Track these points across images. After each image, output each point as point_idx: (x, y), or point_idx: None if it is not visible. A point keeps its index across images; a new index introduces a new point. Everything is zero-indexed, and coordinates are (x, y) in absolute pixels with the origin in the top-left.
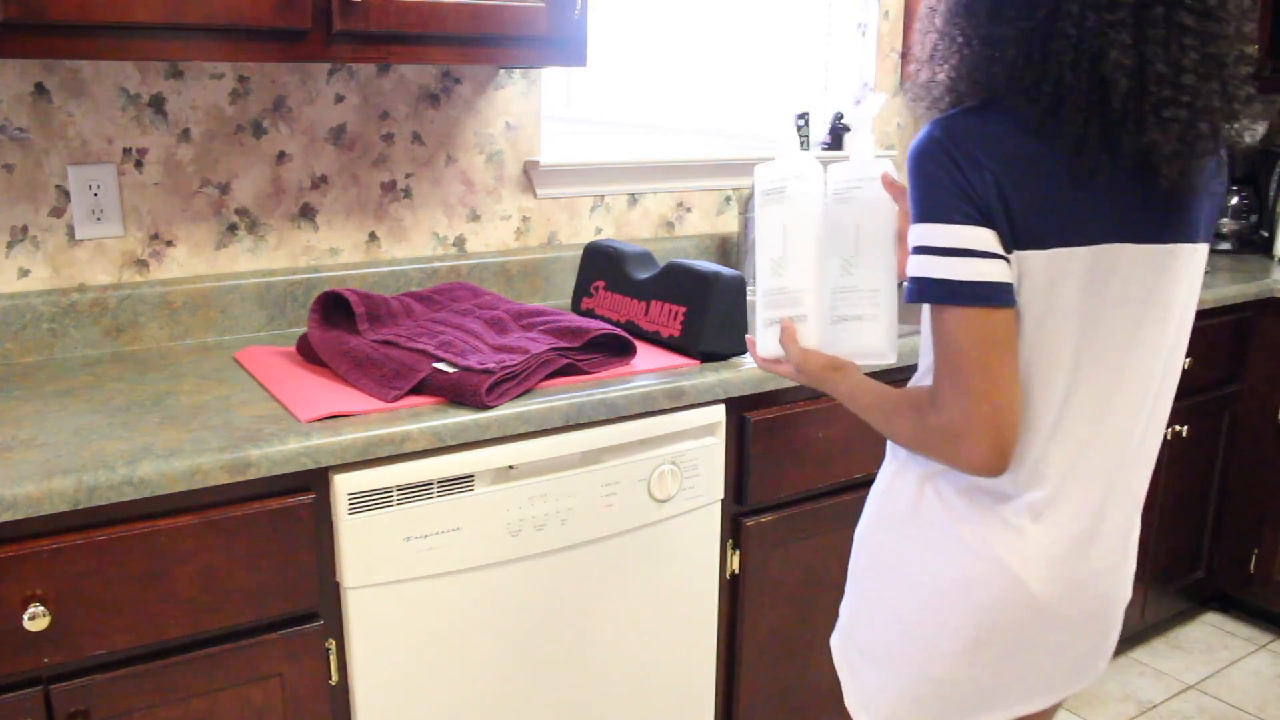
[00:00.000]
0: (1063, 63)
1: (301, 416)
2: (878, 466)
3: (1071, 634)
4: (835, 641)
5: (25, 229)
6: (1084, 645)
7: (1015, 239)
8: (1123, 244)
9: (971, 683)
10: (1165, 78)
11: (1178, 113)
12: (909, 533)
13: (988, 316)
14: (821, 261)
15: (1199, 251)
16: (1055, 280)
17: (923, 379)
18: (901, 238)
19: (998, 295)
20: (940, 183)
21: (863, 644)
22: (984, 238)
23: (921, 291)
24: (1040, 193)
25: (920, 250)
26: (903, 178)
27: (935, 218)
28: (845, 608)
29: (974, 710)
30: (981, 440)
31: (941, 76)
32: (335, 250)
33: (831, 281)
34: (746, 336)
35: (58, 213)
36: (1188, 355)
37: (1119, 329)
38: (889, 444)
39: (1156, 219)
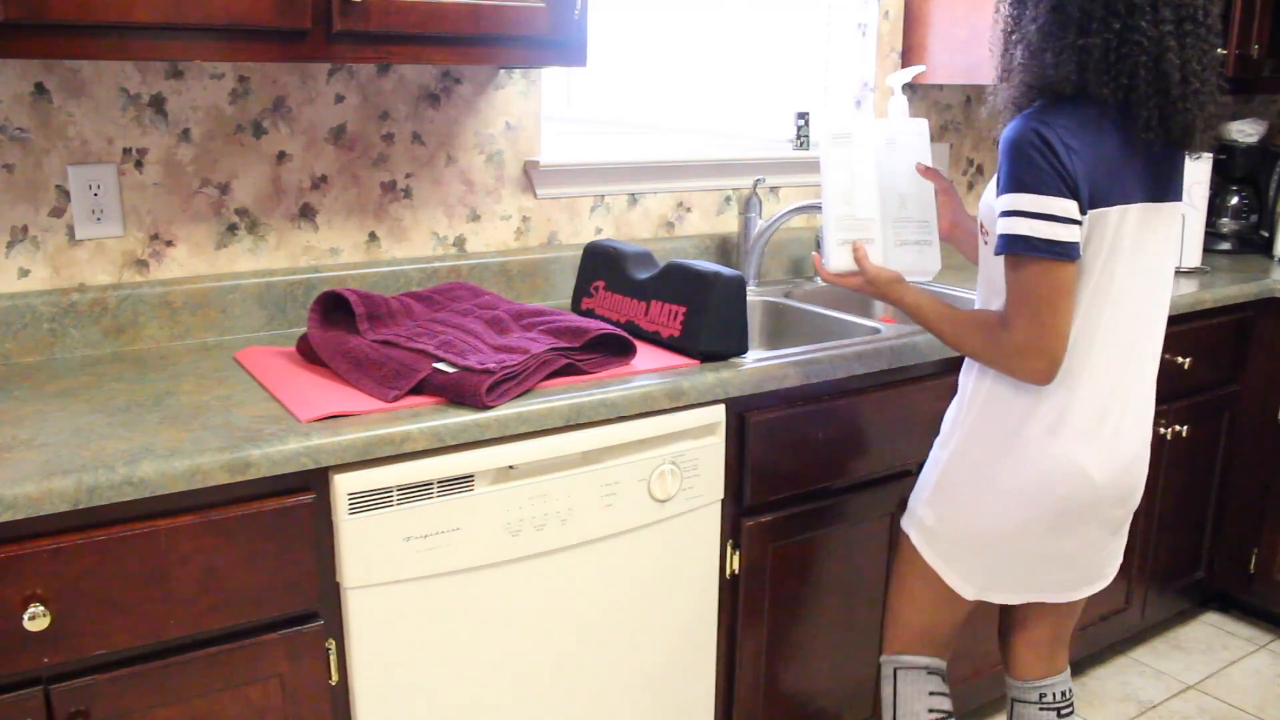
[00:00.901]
0: (1136, 62)
1: (301, 416)
2: (877, 466)
3: (1111, 511)
4: (915, 538)
5: (25, 229)
6: (1110, 537)
7: (1091, 201)
8: (1158, 203)
9: (1047, 555)
10: (1196, 73)
11: (1203, 98)
12: (1006, 453)
13: (1062, 268)
14: (881, 196)
15: (1181, 208)
16: (1117, 230)
17: (987, 306)
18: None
19: (1071, 252)
20: (1035, 163)
21: (957, 537)
22: (1068, 207)
23: (1011, 244)
24: (1110, 163)
25: (1013, 214)
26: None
27: (1030, 189)
28: (932, 516)
29: (1047, 573)
30: (1042, 358)
31: (1031, 78)
32: (335, 250)
33: (891, 213)
34: (813, 255)
35: (58, 213)
36: (1188, 355)
37: (1148, 270)
38: (970, 387)
39: (1170, 183)
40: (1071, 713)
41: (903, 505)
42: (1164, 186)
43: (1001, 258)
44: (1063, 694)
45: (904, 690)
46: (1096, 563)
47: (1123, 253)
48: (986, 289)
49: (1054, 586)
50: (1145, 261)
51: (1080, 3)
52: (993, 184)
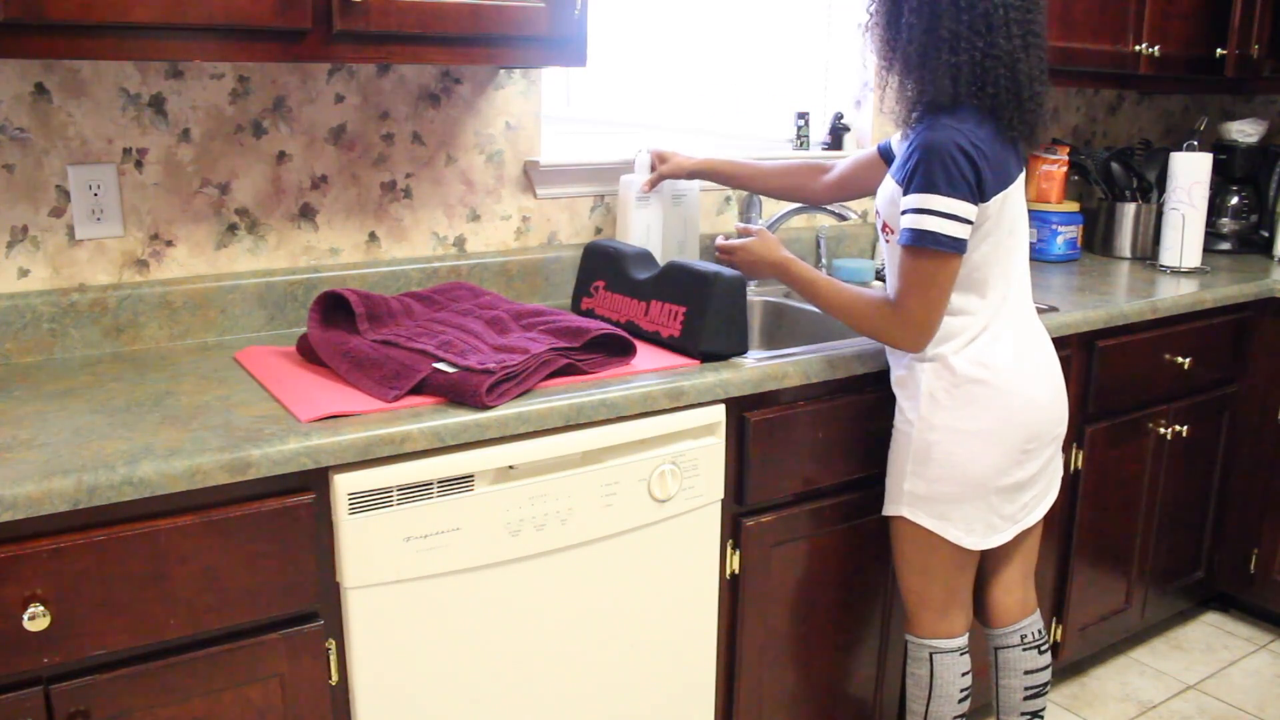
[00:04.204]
0: (997, 74)
1: (301, 416)
2: (877, 466)
3: (1056, 429)
4: (907, 512)
5: (25, 229)
6: (1057, 453)
7: (993, 188)
8: (1020, 174)
9: (1020, 482)
10: (1039, 79)
11: (1043, 99)
12: (968, 403)
13: (956, 260)
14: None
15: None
16: (1009, 204)
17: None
18: None
19: (964, 247)
20: (951, 170)
21: (950, 493)
22: (970, 210)
23: (920, 239)
24: (993, 160)
25: (925, 211)
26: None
27: (943, 192)
28: (922, 484)
29: (1021, 499)
30: (925, 332)
31: (911, 93)
32: (335, 250)
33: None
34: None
35: (58, 213)
36: (1188, 355)
37: (1021, 232)
38: (906, 366)
39: (1020, 159)
40: (1049, 648)
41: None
42: (1021, 161)
43: (899, 247)
44: (1038, 631)
45: (940, 674)
46: (1050, 478)
47: (1015, 219)
48: (891, 274)
49: (1026, 510)
50: (1021, 221)
51: (949, 25)
52: (889, 183)
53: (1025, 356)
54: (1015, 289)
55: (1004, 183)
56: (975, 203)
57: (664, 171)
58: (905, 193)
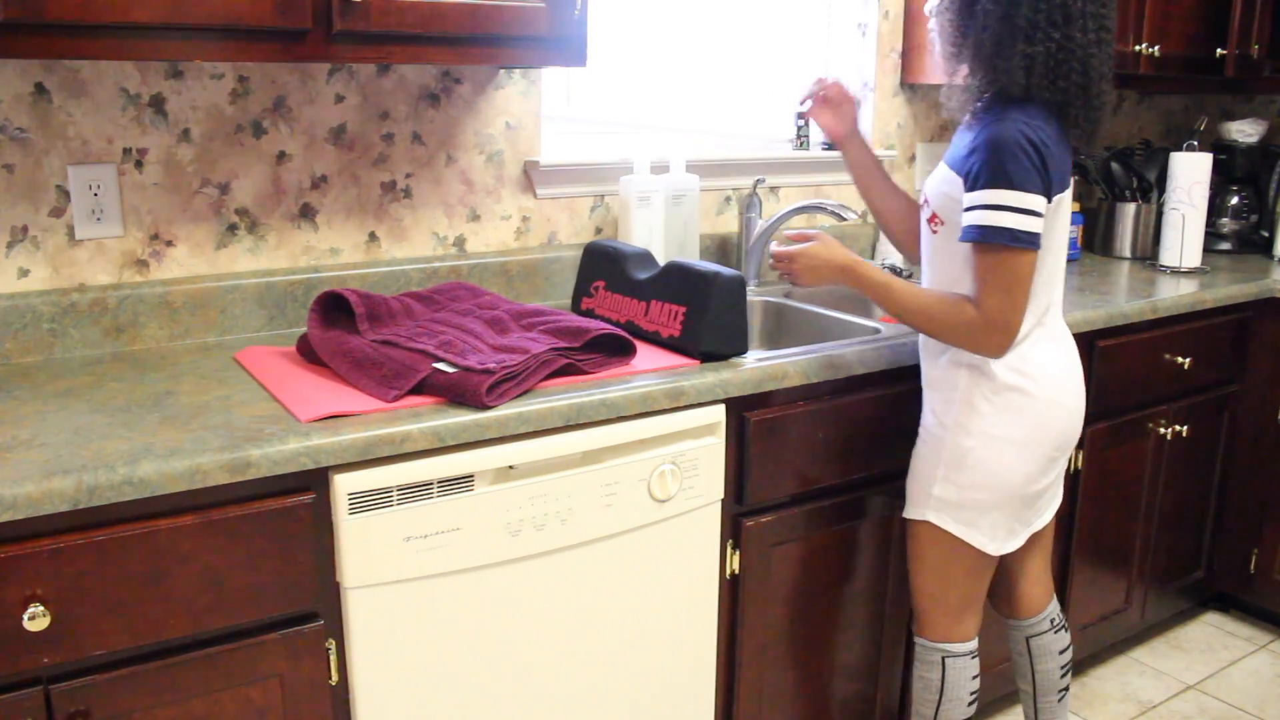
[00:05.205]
0: (1070, 68)
1: (301, 416)
2: (877, 466)
3: (1077, 435)
4: (933, 517)
5: (25, 229)
6: (1066, 465)
7: (1055, 189)
8: (1070, 183)
9: (1041, 488)
10: (1106, 77)
11: (1107, 99)
12: (1005, 410)
13: (1032, 255)
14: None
15: None
16: (1061, 211)
17: (935, 285)
18: None
19: (1039, 241)
20: (1022, 163)
21: (981, 500)
22: (1042, 203)
23: (995, 235)
24: (1057, 158)
25: (997, 207)
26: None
27: (1015, 186)
28: (953, 491)
29: (1038, 504)
30: (1008, 334)
31: (980, 83)
32: (335, 250)
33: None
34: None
35: (58, 213)
36: (1188, 355)
37: (1064, 238)
38: (944, 368)
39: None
40: (1066, 626)
41: (905, 504)
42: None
43: (968, 244)
44: (1060, 612)
45: (952, 678)
46: (1060, 479)
47: (1064, 225)
48: (939, 270)
49: (1039, 514)
50: (1066, 228)
51: (1027, 14)
52: (946, 174)
53: (1062, 364)
54: (1056, 296)
55: (1063, 184)
56: (1047, 197)
57: (840, 109)
58: (971, 188)
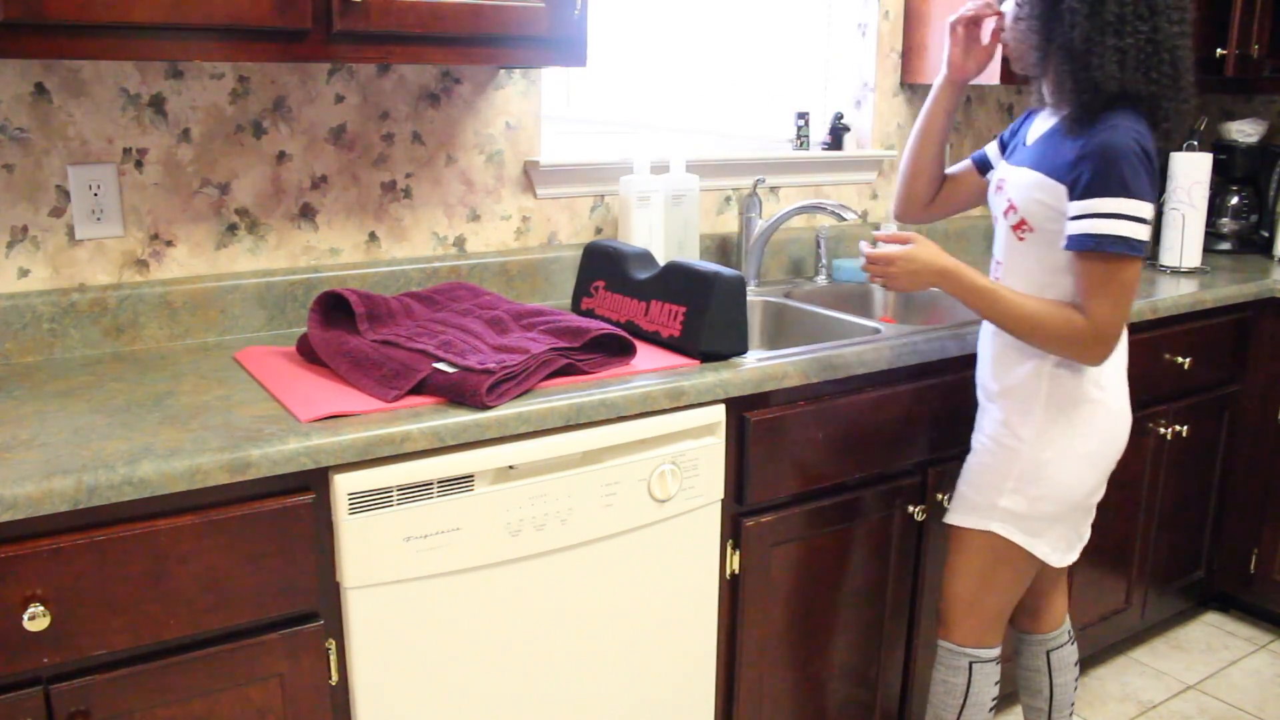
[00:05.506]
0: (1161, 59)
1: (301, 416)
2: (877, 466)
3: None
4: (999, 528)
5: (25, 229)
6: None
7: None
8: None
9: (1097, 499)
10: (1191, 69)
11: (1192, 91)
12: (1079, 422)
13: (1140, 264)
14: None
15: None
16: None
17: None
18: None
19: (1146, 249)
20: (1140, 173)
21: (1051, 512)
22: (1151, 211)
23: (1111, 244)
24: (1155, 164)
25: (1117, 216)
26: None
27: (1135, 195)
28: (1022, 502)
29: (1089, 516)
30: (1113, 343)
31: (1077, 84)
32: (335, 250)
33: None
34: (862, 245)
35: (58, 213)
36: (1188, 355)
37: None
38: (1025, 378)
39: None
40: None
41: (905, 504)
42: None
43: (1069, 252)
44: (1069, 623)
45: (978, 684)
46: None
47: None
48: (1020, 275)
49: (1088, 525)
50: None
51: (1114, 9)
52: (1040, 180)
53: (1121, 374)
54: None
55: (1158, 190)
56: (1155, 203)
57: (977, 52)
58: (1082, 196)
